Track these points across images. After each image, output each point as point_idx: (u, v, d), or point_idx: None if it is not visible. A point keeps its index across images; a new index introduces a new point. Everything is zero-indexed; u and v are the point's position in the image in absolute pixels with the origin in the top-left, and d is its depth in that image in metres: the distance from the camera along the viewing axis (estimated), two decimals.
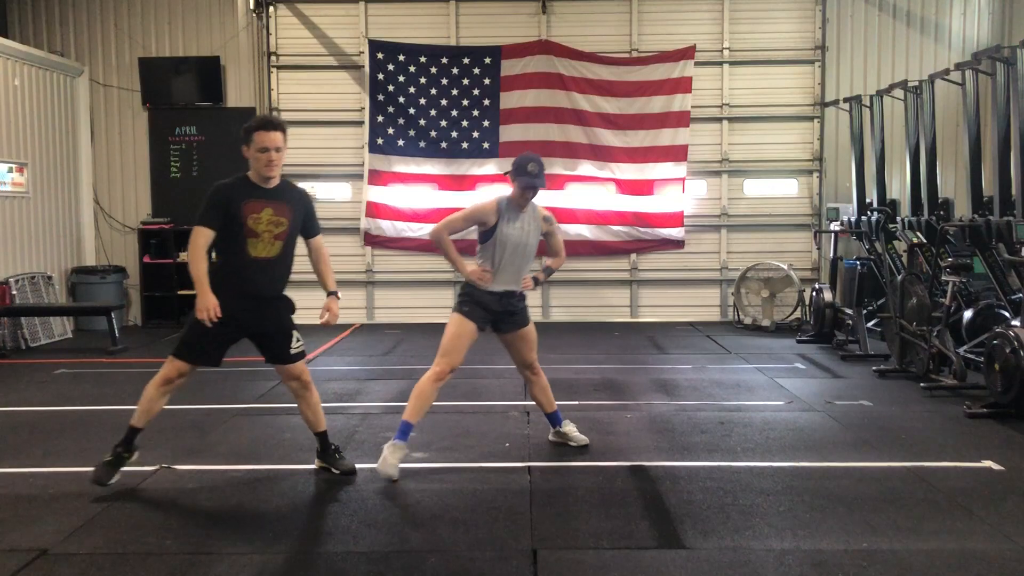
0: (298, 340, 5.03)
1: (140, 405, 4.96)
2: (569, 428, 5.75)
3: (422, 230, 12.11)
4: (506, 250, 5.31)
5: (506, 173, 5.40)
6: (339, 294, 5.15)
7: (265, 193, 4.82)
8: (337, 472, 5.14)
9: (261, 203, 4.79)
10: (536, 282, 5.56)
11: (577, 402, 7.02)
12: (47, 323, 10.72)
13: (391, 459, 5.06)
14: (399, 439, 5.13)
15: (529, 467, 5.30)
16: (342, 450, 5.31)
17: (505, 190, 5.43)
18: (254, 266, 4.80)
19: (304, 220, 4.99)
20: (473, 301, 5.34)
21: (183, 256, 11.94)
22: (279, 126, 4.80)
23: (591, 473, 5.19)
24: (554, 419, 5.76)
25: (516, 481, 5.06)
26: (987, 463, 5.33)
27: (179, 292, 11.89)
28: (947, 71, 8.50)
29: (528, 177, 5.23)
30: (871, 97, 10.17)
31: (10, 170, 10.46)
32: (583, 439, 5.72)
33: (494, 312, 5.38)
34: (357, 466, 5.23)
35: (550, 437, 5.81)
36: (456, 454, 5.63)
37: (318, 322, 5.12)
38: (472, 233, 5.53)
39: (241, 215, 4.74)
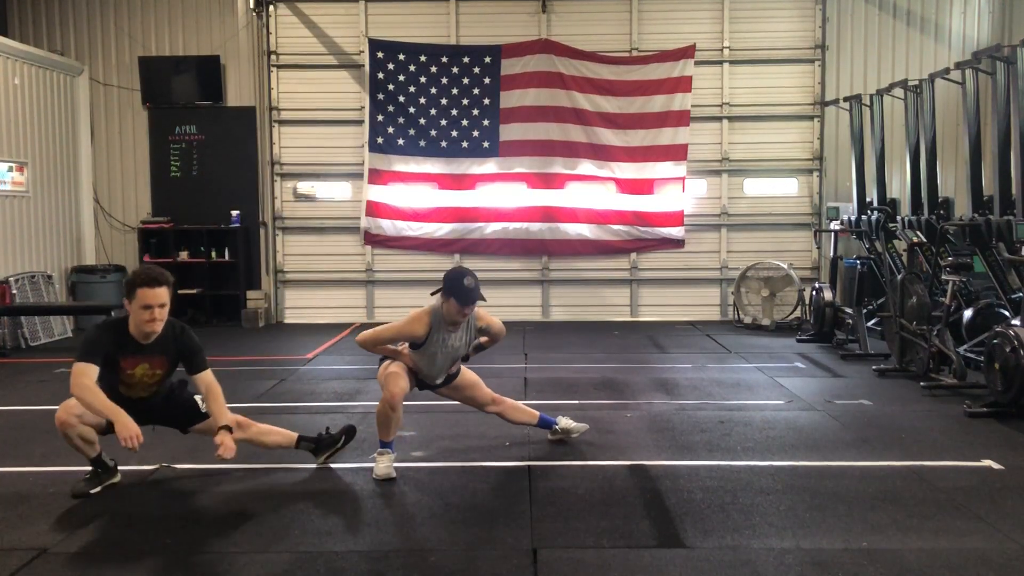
0: (202, 401, 4.94)
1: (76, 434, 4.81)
2: (565, 422, 5.74)
3: (422, 229, 12.12)
4: (435, 361, 5.25)
5: (434, 292, 5.19)
6: (232, 429, 4.73)
7: (142, 349, 4.68)
8: (339, 442, 5.27)
9: (136, 359, 4.69)
10: (466, 359, 5.49)
11: (577, 401, 7.02)
12: (47, 322, 10.72)
13: (382, 464, 5.07)
14: (383, 449, 5.13)
15: (529, 466, 5.30)
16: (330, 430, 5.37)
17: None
18: (128, 401, 4.70)
19: (185, 362, 4.83)
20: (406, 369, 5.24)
21: (183, 256, 11.96)
22: (164, 281, 4.61)
23: (591, 472, 5.19)
24: (545, 423, 5.74)
25: (516, 480, 5.06)
26: (987, 462, 5.33)
27: (179, 292, 11.88)
28: (947, 70, 8.50)
29: (467, 292, 4.99)
30: (871, 96, 10.17)
31: (10, 169, 10.46)
32: (581, 426, 5.76)
33: (428, 384, 5.45)
34: (357, 465, 5.23)
35: (549, 437, 5.80)
36: (456, 453, 5.63)
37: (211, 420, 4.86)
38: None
39: (117, 365, 4.66)
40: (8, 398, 7.44)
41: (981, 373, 6.94)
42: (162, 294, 4.59)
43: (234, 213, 11.97)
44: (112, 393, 4.65)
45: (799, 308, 11.60)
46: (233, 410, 6.73)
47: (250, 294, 12.04)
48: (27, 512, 4.55)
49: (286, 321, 12.24)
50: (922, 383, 7.46)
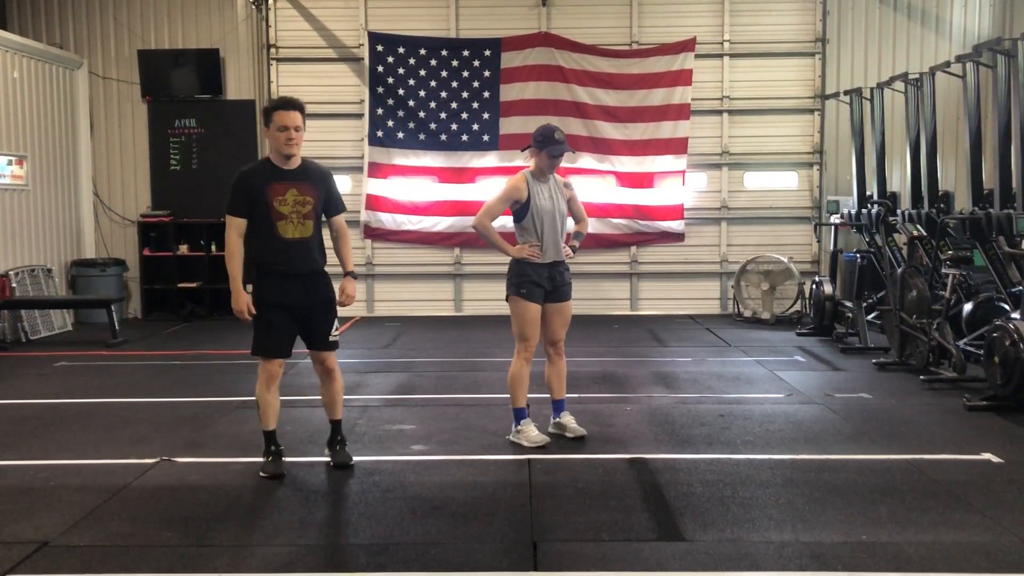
0: (337, 328, 5.13)
1: (260, 410, 5.09)
2: (567, 419, 5.76)
3: (422, 223, 12.11)
4: (544, 221, 5.55)
5: (526, 148, 5.73)
6: (356, 275, 5.18)
7: (288, 175, 4.91)
8: (330, 462, 5.18)
9: (285, 185, 4.88)
10: (574, 250, 5.74)
11: (577, 395, 7.01)
12: (47, 316, 10.72)
13: (532, 434, 5.50)
14: (521, 422, 5.55)
15: (529, 460, 5.30)
16: (346, 443, 5.30)
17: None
18: (290, 248, 4.90)
19: (327, 198, 5.06)
20: (528, 281, 5.50)
21: (183, 249, 11.96)
22: (297, 106, 4.88)
23: (591, 465, 5.20)
24: (558, 407, 5.79)
25: (516, 474, 5.07)
26: (986, 455, 5.33)
27: (179, 285, 11.90)
28: (948, 63, 8.48)
29: (557, 145, 5.55)
30: (871, 89, 10.14)
31: (9, 163, 10.45)
32: (580, 430, 5.71)
33: (546, 286, 5.56)
34: (357, 459, 5.24)
35: (550, 428, 5.81)
36: (456, 447, 5.64)
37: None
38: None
39: (266, 199, 4.84)
40: (8, 391, 7.45)
41: (981, 367, 6.95)
42: (296, 117, 4.85)
43: None
44: (272, 237, 4.86)
45: (799, 302, 11.61)
46: (235, 403, 6.79)
47: (250, 288, 11.99)
48: (28, 505, 4.56)
49: None
50: (922, 377, 7.46)
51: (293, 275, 4.94)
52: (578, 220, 5.94)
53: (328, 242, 5.14)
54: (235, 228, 4.91)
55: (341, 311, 5.19)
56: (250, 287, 5.03)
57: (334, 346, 5.13)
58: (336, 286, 5.09)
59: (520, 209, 5.59)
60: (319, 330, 5.05)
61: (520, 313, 5.53)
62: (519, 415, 5.60)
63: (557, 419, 5.78)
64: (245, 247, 4.96)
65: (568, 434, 5.70)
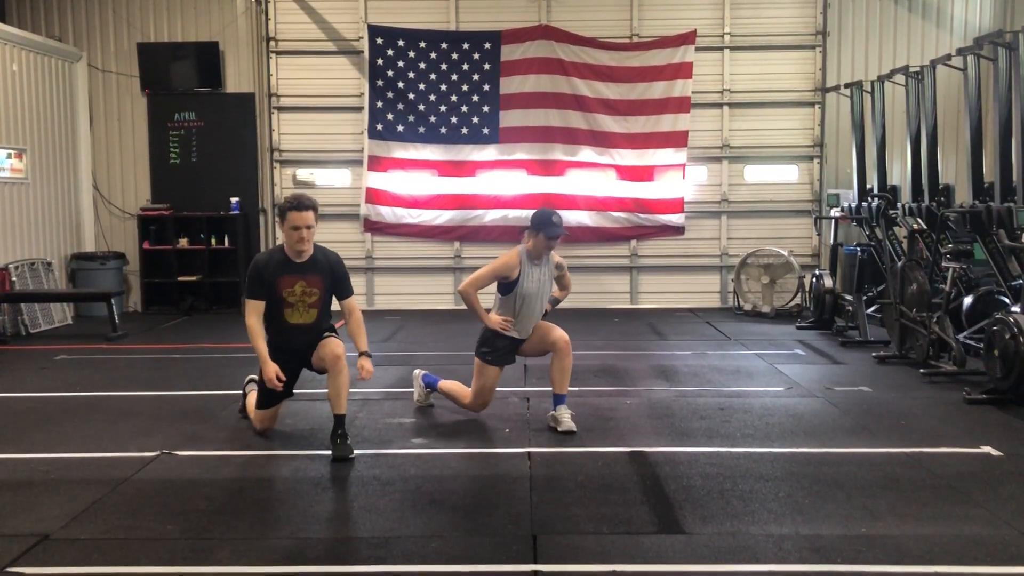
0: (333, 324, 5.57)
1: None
2: (562, 412, 5.76)
3: (421, 216, 12.10)
4: (525, 302, 5.77)
5: (523, 230, 5.85)
6: (371, 353, 5.39)
7: (298, 268, 5.32)
8: (331, 454, 5.17)
9: (294, 278, 5.32)
10: (545, 315, 5.98)
11: (577, 388, 7.01)
12: (47, 309, 10.72)
13: (417, 393, 6.29)
14: (424, 383, 6.36)
15: (529, 453, 5.31)
16: (347, 437, 5.27)
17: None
18: (294, 331, 5.39)
19: (335, 284, 5.46)
20: (494, 348, 5.83)
21: (183, 243, 11.95)
22: (311, 206, 5.23)
23: (591, 459, 5.20)
24: (557, 400, 5.82)
25: (516, 467, 5.07)
26: (986, 449, 5.34)
27: (179, 279, 11.90)
28: (948, 56, 8.46)
29: (553, 227, 5.65)
30: (872, 83, 10.13)
31: (9, 156, 10.43)
32: (570, 425, 5.70)
33: (512, 349, 5.91)
34: (358, 452, 5.24)
35: (547, 420, 5.86)
36: (456, 440, 5.65)
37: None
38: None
39: (276, 289, 5.30)
40: (8, 385, 7.45)
41: (980, 360, 6.95)
42: (309, 217, 5.22)
43: (233, 200, 11.94)
44: (278, 321, 5.35)
45: (799, 295, 11.61)
46: (235, 396, 6.79)
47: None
48: (28, 498, 4.56)
49: None
50: (922, 370, 7.47)
51: (296, 351, 5.43)
52: (562, 288, 6.17)
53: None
54: (254, 311, 5.32)
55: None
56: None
57: (329, 336, 5.41)
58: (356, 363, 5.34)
59: (506, 285, 5.77)
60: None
61: (479, 373, 5.87)
62: (431, 382, 6.27)
63: (553, 412, 5.81)
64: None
65: (559, 428, 5.72)
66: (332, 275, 5.42)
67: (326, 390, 5.39)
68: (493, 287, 5.86)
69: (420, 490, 4.69)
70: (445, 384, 6.22)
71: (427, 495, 4.60)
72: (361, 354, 5.34)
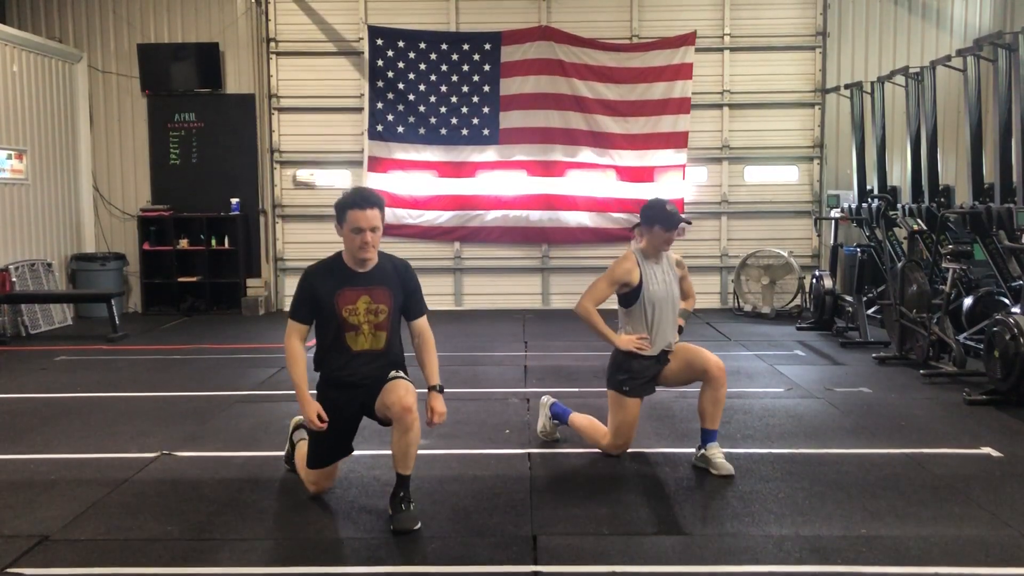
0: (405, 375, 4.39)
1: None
2: (714, 451, 4.95)
3: (422, 217, 12.10)
4: (655, 308, 4.97)
5: (634, 227, 5.15)
6: (443, 388, 4.40)
7: (361, 279, 4.30)
8: (392, 526, 4.16)
9: (357, 291, 4.28)
10: (680, 331, 5.18)
11: (577, 389, 7.02)
12: (47, 310, 10.72)
13: (549, 426, 5.46)
14: (554, 413, 5.47)
15: (529, 453, 5.31)
16: (411, 502, 4.29)
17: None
18: (358, 361, 4.31)
19: (406, 300, 4.41)
20: (631, 376, 4.98)
21: (183, 243, 11.95)
22: (376, 203, 4.23)
23: (591, 459, 5.20)
24: (706, 437, 4.99)
25: (516, 467, 5.07)
26: (986, 450, 5.34)
27: (179, 279, 11.90)
28: (948, 57, 8.47)
29: (671, 218, 4.89)
30: (872, 83, 10.14)
31: (9, 157, 10.43)
32: (728, 468, 4.86)
33: (653, 374, 5.07)
34: (357, 452, 5.21)
35: (694, 460, 5.07)
36: (456, 441, 5.64)
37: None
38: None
39: (334, 307, 4.25)
40: (8, 386, 7.45)
41: (981, 361, 6.95)
42: (374, 216, 4.20)
43: (234, 201, 11.94)
44: (338, 348, 4.30)
45: (799, 296, 11.60)
46: (235, 397, 6.80)
47: (250, 282, 12.04)
48: (28, 499, 4.56)
49: (286, 309, 12.21)
50: (922, 371, 7.47)
51: (359, 387, 4.33)
52: (686, 298, 5.29)
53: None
54: (296, 333, 4.32)
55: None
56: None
57: (396, 378, 4.30)
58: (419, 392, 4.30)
59: (629, 294, 4.99)
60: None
61: (617, 409, 5.03)
62: (561, 413, 5.39)
63: (703, 451, 4.99)
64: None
65: (713, 470, 4.88)
66: (403, 288, 4.39)
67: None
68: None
69: (420, 490, 4.67)
70: (577, 419, 5.31)
71: (427, 496, 4.59)
72: (431, 389, 4.33)
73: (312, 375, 4.39)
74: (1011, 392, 6.37)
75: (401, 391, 4.17)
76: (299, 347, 4.33)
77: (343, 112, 12.13)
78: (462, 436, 5.75)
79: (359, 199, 4.24)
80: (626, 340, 4.98)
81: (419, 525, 4.14)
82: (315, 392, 4.41)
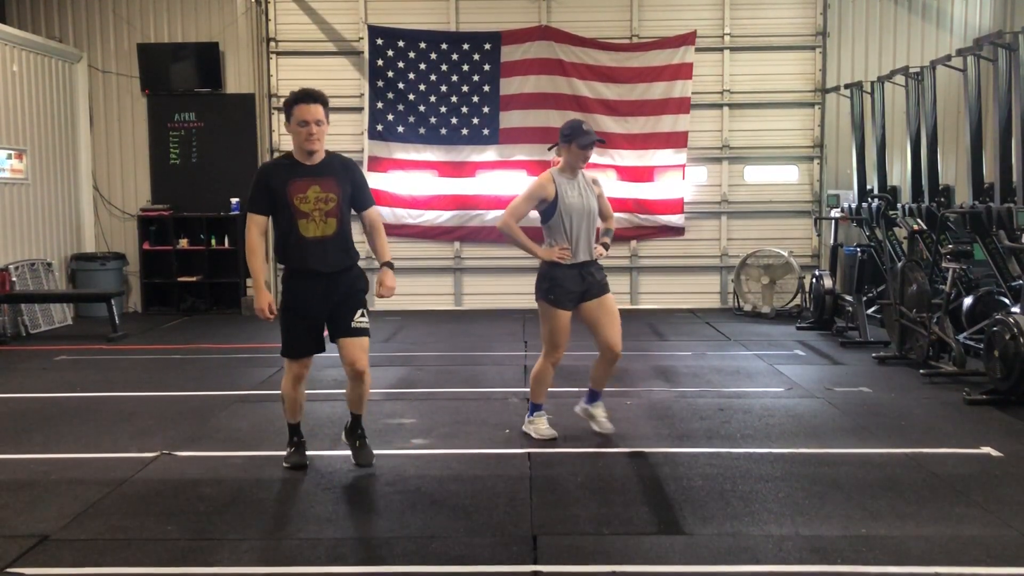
0: (363, 315, 4.88)
1: (285, 405, 5.05)
2: (599, 411, 5.73)
3: (422, 217, 12.10)
4: (572, 219, 5.35)
5: (552, 147, 5.60)
6: (393, 264, 4.99)
7: (309, 171, 4.73)
8: (353, 460, 5.06)
9: (306, 181, 4.70)
10: (605, 247, 5.63)
11: (577, 388, 7.00)
12: (47, 310, 10.72)
13: (542, 427, 5.53)
14: (535, 414, 5.59)
15: (529, 453, 5.31)
16: (365, 438, 5.12)
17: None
18: (311, 246, 4.72)
19: (353, 192, 4.85)
20: (557, 285, 5.35)
21: (183, 243, 11.95)
22: (319, 98, 4.70)
23: (591, 459, 5.20)
24: (593, 396, 5.73)
25: (516, 467, 5.07)
26: (986, 449, 5.34)
27: (179, 279, 11.90)
28: (948, 57, 8.46)
29: (586, 135, 5.34)
30: (872, 83, 10.13)
31: (9, 156, 10.43)
32: (608, 426, 5.67)
33: (578, 290, 5.41)
34: None
35: (576, 409, 5.82)
36: (456, 441, 5.65)
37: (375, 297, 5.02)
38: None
39: (286, 196, 4.68)
40: (8, 385, 7.45)
41: (981, 361, 6.95)
42: (317, 111, 4.68)
43: (234, 200, 11.93)
44: (294, 236, 4.70)
45: (799, 296, 11.60)
46: (234, 396, 6.80)
47: (250, 282, 12.02)
48: (28, 499, 4.56)
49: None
50: (922, 371, 7.47)
51: (314, 274, 4.76)
52: (605, 217, 5.74)
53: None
54: (256, 225, 4.74)
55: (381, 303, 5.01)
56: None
57: (359, 333, 4.82)
58: (374, 279, 4.98)
59: (547, 208, 5.37)
60: (339, 321, 4.84)
61: (548, 319, 5.41)
62: (535, 408, 5.64)
63: (588, 406, 5.74)
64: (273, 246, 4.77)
65: (594, 426, 5.69)
66: (350, 180, 4.82)
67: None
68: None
69: (420, 490, 4.68)
70: (535, 385, 5.63)
71: (427, 496, 4.60)
72: (383, 265, 4.92)
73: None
74: (1011, 392, 6.37)
75: (357, 352, 4.81)
76: (259, 240, 4.77)
77: (343, 112, 12.08)
78: (462, 436, 5.75)
79: (303, 95, 4.70)
80: (548, 251, 5.39)
81: (374, 460, 4.96)
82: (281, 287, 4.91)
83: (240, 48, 11.96)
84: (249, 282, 11.96)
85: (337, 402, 6.47)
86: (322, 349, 4.94)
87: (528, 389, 5.72)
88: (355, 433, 5.07)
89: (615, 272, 12.21)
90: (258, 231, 4.76)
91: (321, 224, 4.73)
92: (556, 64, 11.86)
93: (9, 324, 10.03)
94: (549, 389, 5.67)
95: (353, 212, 4.94)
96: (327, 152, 4.83)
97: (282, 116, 12.15)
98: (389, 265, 4.94)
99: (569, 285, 5.36)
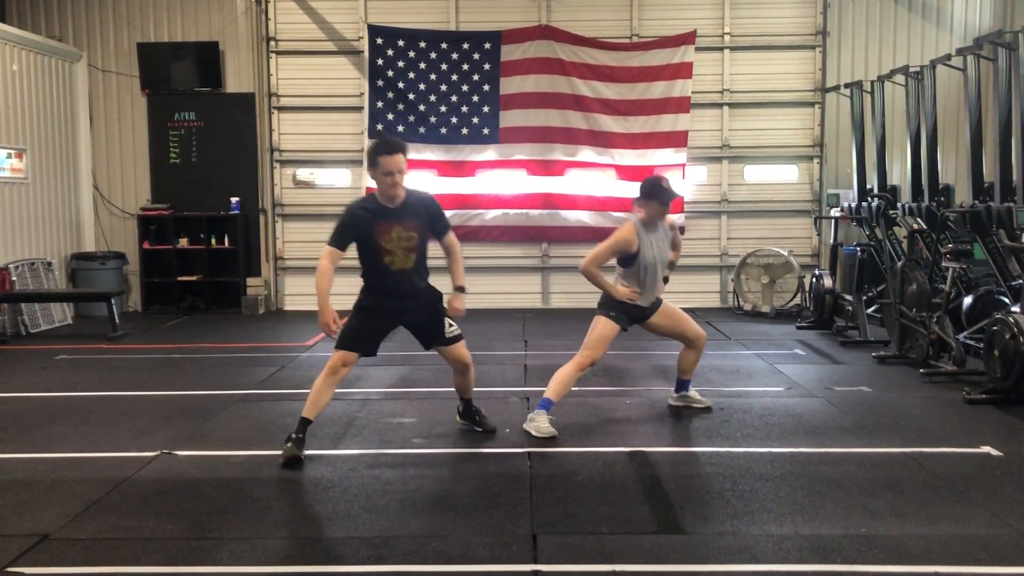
0: (451, 325, 5.42)
1: (310, 396, 5.24)
2: (694, 392, 6.36)
3: None
4: (648, 271, 5.82)
5: (635, 201, 5.95)
6: (465, 288, 5.48)
7: (393, 213, 5.14)
8: (479, 429, 5.69)
9: (390, 223, 5.13)
10: (665, 280, 6.06)
11: (577, 388, 6.99)
12: (47, 309, 10.72)
13: (542, 425, 5.59)
14: (542, 408, 5.68)
15: (529, 453, 5.31)
16: (481, 411, 5.77)
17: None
18: (394, 276, 5.22)
19: (431, 224, 5.31)
20: (621, 308, 5.86)
21: (183, 242, 11.95)
22: (401, 148, 5.05)
23: (591, 458, 5.20)
24: (683, 385, 6.32)
25: (516, 467, 5.08)
26: (986, 449, 5.34)
27: (179, 278, 11.90)
28: (948, 56, 8.47)
29: (666, 193, 5.75)
30: (872, 83, 10.13)
31: (9, 156, 10.43)
32: (707, 401, 6.32)
33: (638, 314, 5.96)
34: (357, 451, 5.26)
35: (670, 401, 6.41)
36: (456, 440, 5.65)
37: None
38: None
39: (372, 237, 5.13)
40: (8, 384, 7.45)
41: (980, 360, 6.95)
42: (400, 160, 5.03)
43: (233, 200, 11.94)
44: (376, 266, 5.18)
45: (799, 295, 11.61)
46: (235, 396, 6.80)
47: (250, 281, 12.04)
48: (28, 498, 4.56)
49: (286, 308, 12.25)
50: (921, 370, 7.47)
51: (396, 297, 5.27)
52: (674, 249, 6.14)
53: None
54: (330, 258, 5.15)
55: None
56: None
57: (454, 340, 5.43)
58: (446, 298, 5.45)
59: (628, 259, 5.82)
60: (432, 331, 5.41)
61: (598, 327, 5.87)
62: (546, 404, 5.71)
63: (685, 392, 6.32)
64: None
65: (696, 405, 6.28)
66: (428, 215, 5.27)
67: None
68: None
69: (420, 490, 4.69)
70: (556, 386, 5.81)
71: (427, 495, 4.60)
72: (456, 289, 5.42)
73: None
74: (1011, 391, 6.37)
75: (459, 352, 5.48)
76: (330, 268, 5.14)
77: (343, 111, 12.13)
78: (462, 435, 5.75)
79: (386, 147, 5.03)
80: (623, 291, 5.84)
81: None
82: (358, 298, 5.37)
83: (240, 47, 11.96)
84: (249, 281, 11.99)
85: (337, 402, 6.47)
86: (373, 353, 5.34)
87: (527, 388, 5.73)
88: (471, 410, 5.74)
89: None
90: (331, 262, 5.16)
91: (403, 258, 5.20)
92: (556, 63, 11.85)
93: (9, 323, 10.03)
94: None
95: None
96: (406, 190, 5.17)
97: (282, 115, 12.36)
98: (461, 289, 5.45)
99: (631, 310, 5.90)
